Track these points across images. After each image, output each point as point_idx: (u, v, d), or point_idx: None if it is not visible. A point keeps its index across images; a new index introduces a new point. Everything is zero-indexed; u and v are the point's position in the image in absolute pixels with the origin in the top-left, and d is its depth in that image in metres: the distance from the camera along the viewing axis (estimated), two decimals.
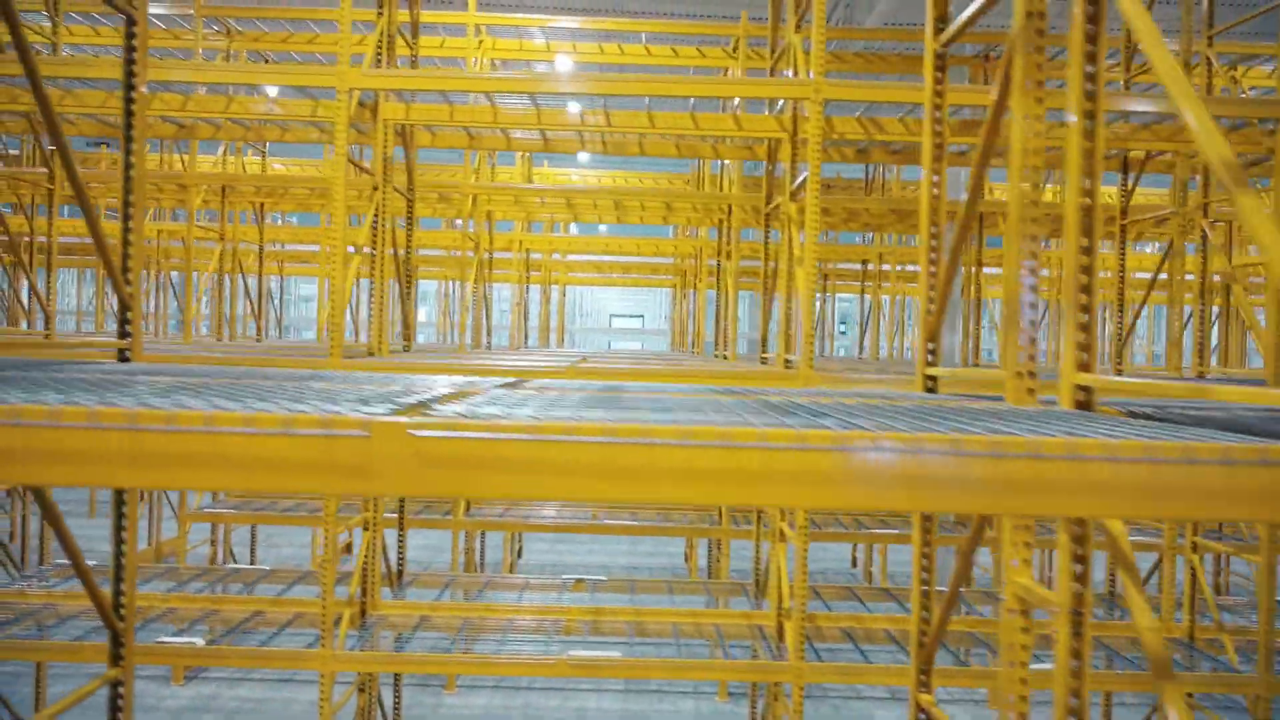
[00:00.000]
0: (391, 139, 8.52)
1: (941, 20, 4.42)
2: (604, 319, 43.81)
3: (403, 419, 1.91)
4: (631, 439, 1.88)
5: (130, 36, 4.37)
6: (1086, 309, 3.10)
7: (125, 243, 4.37)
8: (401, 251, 9.34)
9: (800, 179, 7.54)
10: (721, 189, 14.36)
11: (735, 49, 12.86)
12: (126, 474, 1.97)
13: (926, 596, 4.29)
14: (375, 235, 8.22)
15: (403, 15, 9.02)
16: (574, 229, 24.88)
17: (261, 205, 13.98)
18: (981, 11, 4.15)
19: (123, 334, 4.44)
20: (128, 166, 4.40)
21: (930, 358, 4.41)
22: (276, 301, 21.50)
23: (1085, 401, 3.01)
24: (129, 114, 4.37)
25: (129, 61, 4.38)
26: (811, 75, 7.12)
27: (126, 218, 4.38)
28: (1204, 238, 8.62)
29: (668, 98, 8.36)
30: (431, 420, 1.91)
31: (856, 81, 9.57)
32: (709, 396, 3.08)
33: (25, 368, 3.65)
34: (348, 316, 19.71)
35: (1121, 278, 9.36)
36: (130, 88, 4.37)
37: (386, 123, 8.27)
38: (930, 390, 4.40)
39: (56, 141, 3.81)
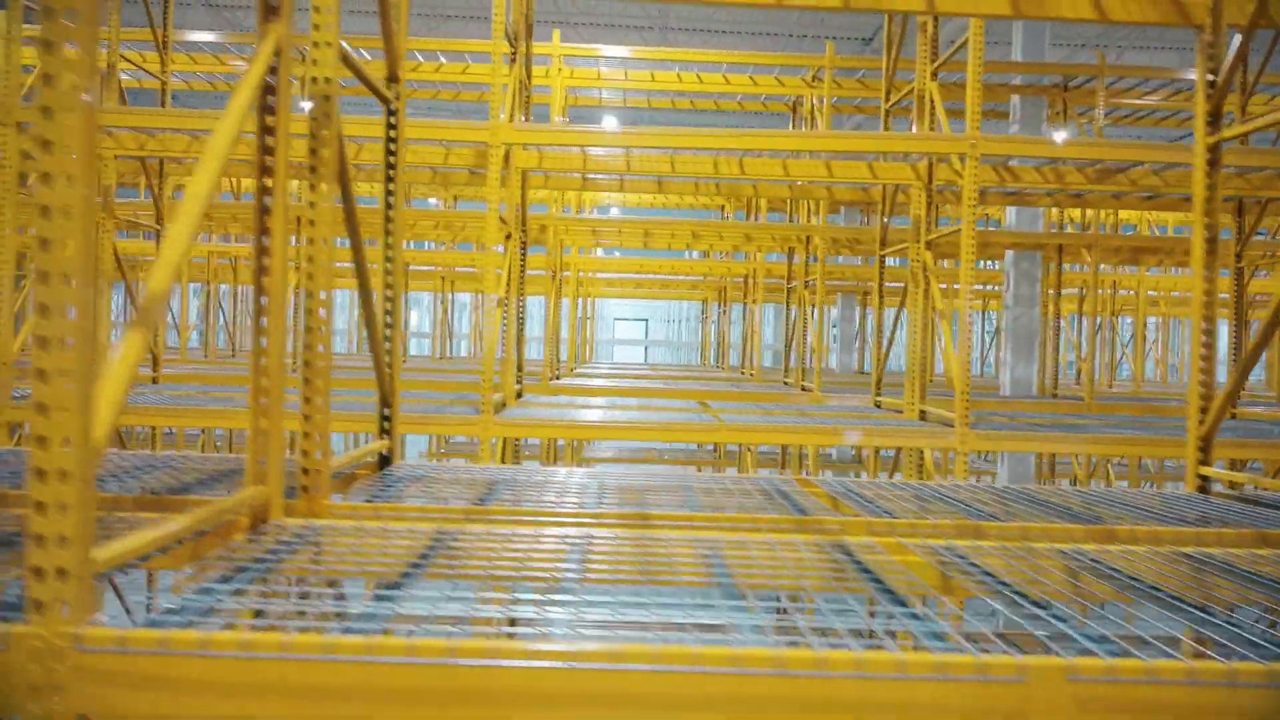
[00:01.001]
0: (518, 183, 8.44)
1: (1214, 115, 4.36)
2: (610, 325, 43.62)
3: (1055, 661, 1.85)
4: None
5: (390, 126, 4.31)
6: None
7: (386, 321, 4.27)
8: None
9: (954, 228, 7.51)
10: (790, 217, 14.31)
11: (814, 78, 12.81)
12: None
13: None
14: (508, 283, 8.13)
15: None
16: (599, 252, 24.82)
17: None
18: (1271, 124, 4.11)
19: (383, 431, 4.33)
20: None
21: (1201, 455, 4.36)
22: None
23: None
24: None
25: (389, 148, 4.31)
26: (961, 128, 7.11)
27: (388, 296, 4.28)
28: None
29: (797, 151, 8.30)
30: (1088, 664, 1.85)
31: (1012, 137, 9.54)
32: (1093, 547, 3.02)
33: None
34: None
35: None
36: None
37: (518, 170, 8.18)
38: (1202, 490, 4.35)
39: (345, 189, 3.70)
